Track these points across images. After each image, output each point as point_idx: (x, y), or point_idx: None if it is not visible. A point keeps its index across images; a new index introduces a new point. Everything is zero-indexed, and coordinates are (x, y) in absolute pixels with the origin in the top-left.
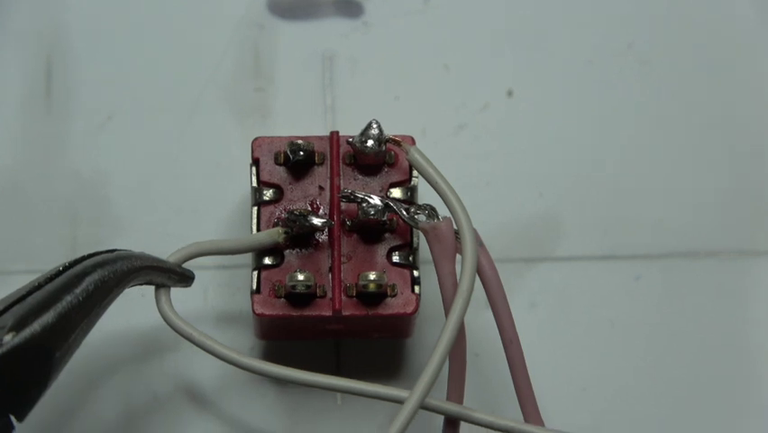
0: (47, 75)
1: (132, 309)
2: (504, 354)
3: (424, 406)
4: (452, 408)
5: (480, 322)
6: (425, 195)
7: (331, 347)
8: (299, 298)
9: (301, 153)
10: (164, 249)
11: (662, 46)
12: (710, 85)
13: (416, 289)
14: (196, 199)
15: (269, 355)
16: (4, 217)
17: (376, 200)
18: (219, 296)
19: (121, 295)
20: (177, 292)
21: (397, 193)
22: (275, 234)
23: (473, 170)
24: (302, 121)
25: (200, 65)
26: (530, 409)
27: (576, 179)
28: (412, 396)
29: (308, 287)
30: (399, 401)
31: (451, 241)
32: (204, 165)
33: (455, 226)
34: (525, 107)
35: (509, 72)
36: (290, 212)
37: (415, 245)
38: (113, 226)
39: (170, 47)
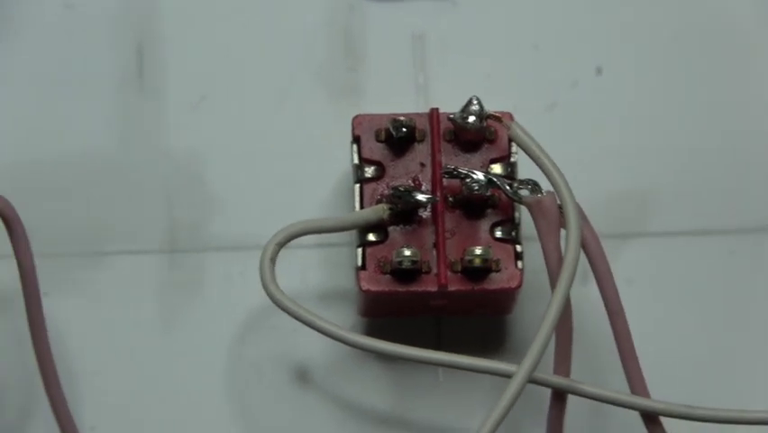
0: (139, 55)
1: (234, 288)
2: (607, 327)
3: (531, 379)
4: (560, 381)
5: (582, 295)
6: (524, 170)
7: (432, 324)
8: (405, 273)
9: (404, 130)
10: (262, 229)
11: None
12: None
13: (520, 264)
14: (293, 179)
15: (371, 333)
16: (100, 198)
17: (479, 175)
18: (318, 274)
19: (222, 273)
20: (275, 271)
21: (497, 169)
22: (380, 211)
23: (565, 148)
24: (394, 100)
25: (292, 46)
26: (636, 381)
27: (667, 153)
28: (521, 369)
29: (414, 262)
30: (507, 375)
31: (555, 215)
32: (299, 144)
33: (558, 201)
34: (615, 84)
35: (598, 49)
36: (395, 188)
37: (517, 220)
38: (209, 207)
39: (262, 28)
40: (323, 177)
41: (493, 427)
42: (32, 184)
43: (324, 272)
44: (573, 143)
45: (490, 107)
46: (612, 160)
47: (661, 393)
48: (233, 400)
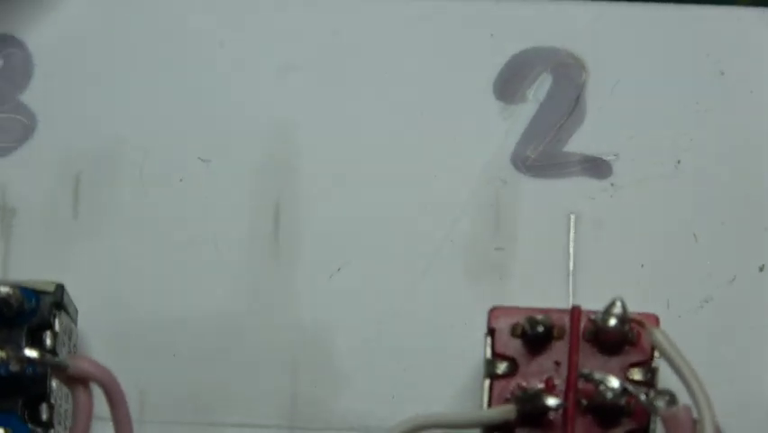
0: (275, 218)
1: None
2: None
3: None
4: None
5: None
6: (665, 376)
7: None
8: None
9: (540, 328)
10: (386, 412)
11: None
12: None
13: None
14: (425, 361)
15: None
16: (220, 365)
17: (615, 383)
18: None
19: None
20: None
21: (637, 374)
22: (506, 412)
23: (718, 347)
24: (541, 285)
25: (438, 218)
26: None
27: None
28: None
29: None
30: None
31: (688, 430)
32: (434, 324)
33: (695, 415)
34: None
35: (761, 246)
36: (524, 390)
37: (651, 431)
38: (333, 383)
39: (408, 197)
40: (455, 363)
41: None
42: (154, 345)
43: None
44: (728, 342)
45: (643, 299)
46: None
47: None
48: None
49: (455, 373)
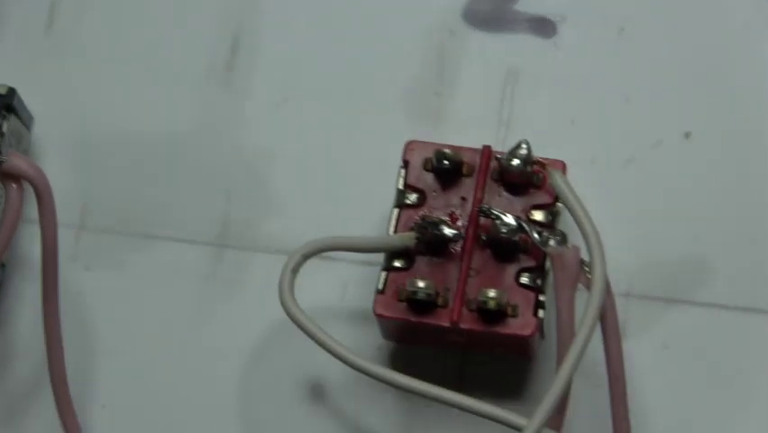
0: (233, 50)
1: (273, 292)
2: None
3: None
4: None
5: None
6: (572, 224)
7: (456, 357)
8: (420, 304)
9: (445, 163)
10: (310, 237)
11: None
12: None
13: (541, 313)
14: (354, 193)
15: (395, 356)
16: (165, 183)
17: (510, 219)
18: (357, 291)
19: (264, 275)
20: (315, 282)
21: (538, 215)
22: (407, 239)
23: (634, 205)
24: (475, 132)
25: (384, 61)
26: None
27: (733, 227)
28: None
29: (429, 295)
30: (517, 428)
31: (574, 269)
32: (368, 160)
33: (591, 260)
34: (700, 151)
35: (690, 113)
36: (424, 218)
37: (547, 269)
38: (266, 207)
39: (357, 38)
40: (382, 196)
41: None
42: (101, 158)
43: (363, 291)
44: (644, 201)
45: (570, 153)
46: (676, 224)
47: None
48: (241, 403)
49: (381, 206)
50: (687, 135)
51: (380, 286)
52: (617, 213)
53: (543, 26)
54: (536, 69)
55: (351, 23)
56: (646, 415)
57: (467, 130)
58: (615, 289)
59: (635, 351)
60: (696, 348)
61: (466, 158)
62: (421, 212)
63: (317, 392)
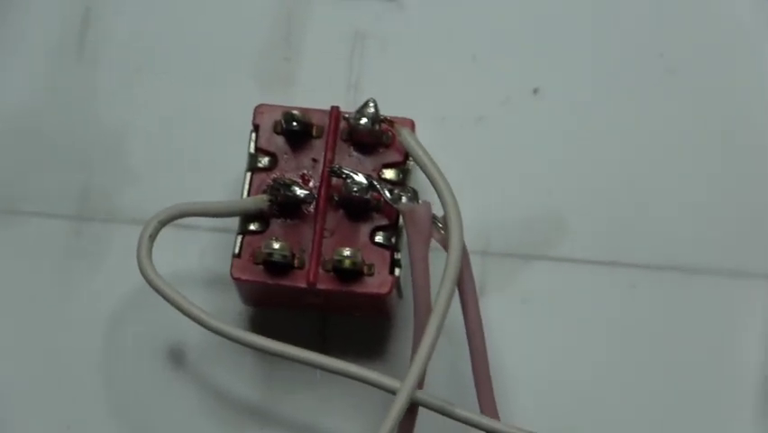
0: (83, 24)
1: (134, 261)
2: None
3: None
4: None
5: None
6: (426, 183)
7: (317, 320)
8: (276, 266)
9: (294, 124)
10: (169, 203)
11: (690, 58)
12: (730, 104)
13: (397, 271)
14: (209, 160)
15: (256, 321)
16: (21, 158)
17: (360, 178)
18: (215, 258)
19: (125, 246)
20: (173, 251)
21: (389, 174)
22: (259, 201)
23: (486, 162)
24: (324, 95)
25: (233, 28)
26: (486, 402)
27: (587, 182)
28: (401, 392)
29: (284, 256)
30: (390, 390)
31: (426, 225)
32: (222, 127)
33: (445, 213)
34: (547, 107)
35: (536, 70)
36: (275, 180)
37: (401, 227)
38: (124, 177)
39: (207, 7)
40: (237, 162)
41: None
42: None
43: (220, 257)
44: (495, 159)
45: (420, 113)
46: (529, 180)
47: (519, 418)
48: (104, 373)
49: (237, 170)
50: (535, 91)
51: (236, 250)
52: (470, 171)
53: None
54: (383, 31)
55: None
56: (506, 368)
57: (317, 94)
58: (472, 247)
59: (494, 307)
60: (553, 301)
61: (315, 119)
62: (273, 175)
63: (178, 358)
